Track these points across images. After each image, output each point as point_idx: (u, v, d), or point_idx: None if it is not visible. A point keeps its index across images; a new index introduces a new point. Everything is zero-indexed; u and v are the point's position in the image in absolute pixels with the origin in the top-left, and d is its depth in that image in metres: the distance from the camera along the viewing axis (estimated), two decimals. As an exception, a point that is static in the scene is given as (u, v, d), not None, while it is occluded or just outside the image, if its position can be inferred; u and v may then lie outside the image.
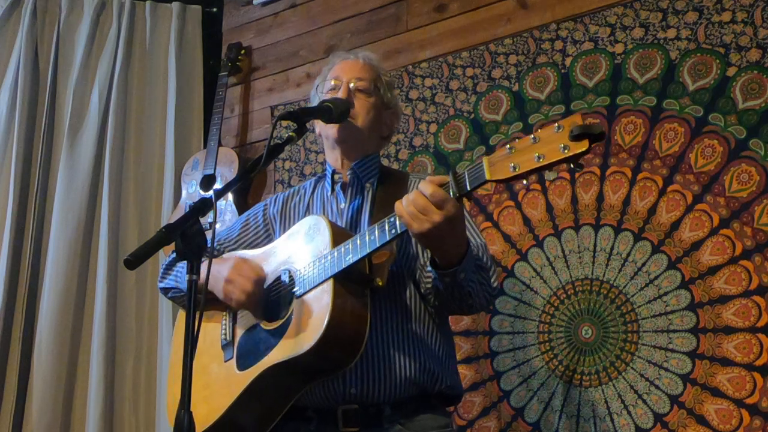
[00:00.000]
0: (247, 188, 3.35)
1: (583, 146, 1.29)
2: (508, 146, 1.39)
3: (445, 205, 1.49)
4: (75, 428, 3.21)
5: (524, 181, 1.41)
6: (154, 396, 3.24)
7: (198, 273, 1.42)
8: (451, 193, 1.49)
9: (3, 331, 3.19)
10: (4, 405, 3.18)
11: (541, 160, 1.34)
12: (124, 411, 3.23)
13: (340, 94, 1.88)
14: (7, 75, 3.45)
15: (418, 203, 1.49)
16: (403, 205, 1.52)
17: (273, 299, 1.80)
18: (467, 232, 1.72)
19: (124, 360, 3.27)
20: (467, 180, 1.46)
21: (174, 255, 1.98)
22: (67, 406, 3.21)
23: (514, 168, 1.37)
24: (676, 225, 2.34)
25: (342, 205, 1.90)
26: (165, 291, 2.03)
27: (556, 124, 1.33)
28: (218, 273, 1.79)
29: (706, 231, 2.29)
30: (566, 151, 1.31)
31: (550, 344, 2.49)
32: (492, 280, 1.76)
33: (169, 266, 2.01)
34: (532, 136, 1.36)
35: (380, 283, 1.67)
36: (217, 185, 3.21)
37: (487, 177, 1.41)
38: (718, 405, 2.20)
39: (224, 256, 1.95)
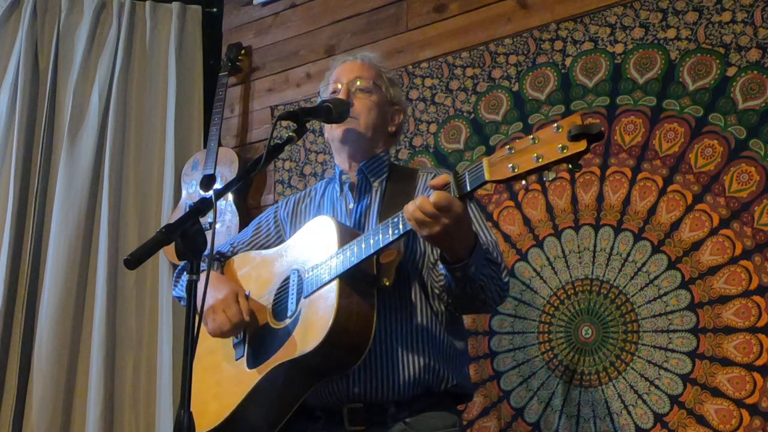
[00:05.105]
0: (247, 188, 3.35)
1: (581, 146, 1.31)
2: (507, 147, 1.41)
3: (451, 209, 1.51)
4: (75, 428, 3.20)
5: (523, 182, 1.42)
6: (154, 396, 3.23)
7: (198, 273, 1.43)
8: (452, 194, 1.51)
9: (3, 331, 3.18)
10: (4, 405, 3.17)
11: (540, 160, 1.35)
12: (124, 411, 3.23)
13: (341, 96, 1.90)
14: (7, 75, 3.44)
15: (425, 210, 1.51)
16: (410, 211, 1.54)
17: (282, 299, 1.81)
18: (480, 230, 1.73)
19: (124, 360, 3.26)
20: (467, 181, 1.49)
21: (186, 262, 2.01)
22: (67, 406, 3.20)
23: (513, 168, 1.38)
24: (676, 225, 2.34)
25: (350, 206, 1.92)
26: (178, 299, 2.06)
27: (555, 125, 1.34)
28: (209, 295, 1.80)
29: (706, 231, 2.29)
30: (565, 151, 1.32)
31: (550, 344, 2.49)
32: (503, 275, 1.76)
33: (179, 274, 2.03)
34: (532, 136, 1.37)
35: (387, 284, 1.69)
36: (217, 185, 3.20)
37: (487, 178, 1.43)
38: (718, 405, 2.19)
39: (235, 260, 1.98)
